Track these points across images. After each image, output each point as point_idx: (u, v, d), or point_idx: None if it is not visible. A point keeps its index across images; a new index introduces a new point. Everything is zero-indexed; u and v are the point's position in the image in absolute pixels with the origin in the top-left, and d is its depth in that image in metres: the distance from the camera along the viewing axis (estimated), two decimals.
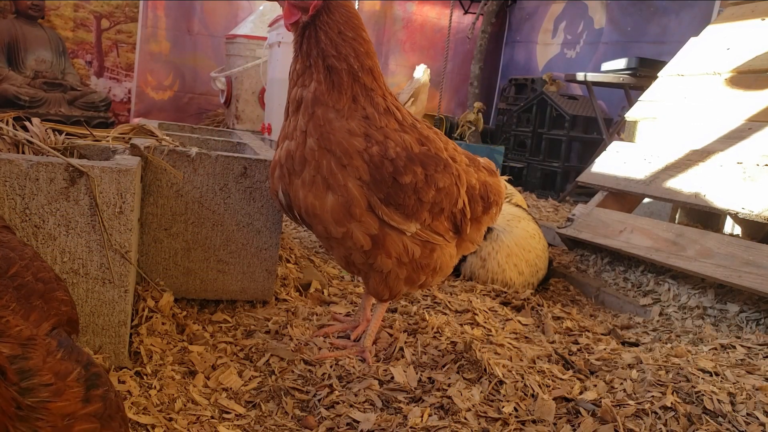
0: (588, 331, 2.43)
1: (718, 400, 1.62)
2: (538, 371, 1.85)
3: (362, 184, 1.66)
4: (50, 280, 0.95)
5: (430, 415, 1.57)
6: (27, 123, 2.01)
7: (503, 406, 1.62)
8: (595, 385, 1.76)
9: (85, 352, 0.83)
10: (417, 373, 1.80)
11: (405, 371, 1.80)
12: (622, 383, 1.76)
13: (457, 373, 1.80)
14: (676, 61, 3.71)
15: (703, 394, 1.64)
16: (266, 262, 2.18)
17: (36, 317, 0.84)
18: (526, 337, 2.25)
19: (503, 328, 2.29)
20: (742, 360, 2.02)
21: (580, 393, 1.72)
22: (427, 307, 2.39)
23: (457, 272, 3.06)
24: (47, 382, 0.70)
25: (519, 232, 3.01)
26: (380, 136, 1.68)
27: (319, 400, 1.64)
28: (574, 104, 6.36)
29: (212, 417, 1.55)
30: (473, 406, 1.62)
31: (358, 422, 1.54)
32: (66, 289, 0.99)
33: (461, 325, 2.22)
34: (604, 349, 2.14)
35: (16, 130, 1.88)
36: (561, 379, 1.83)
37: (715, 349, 2.18)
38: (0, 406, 0.61)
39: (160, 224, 2.02)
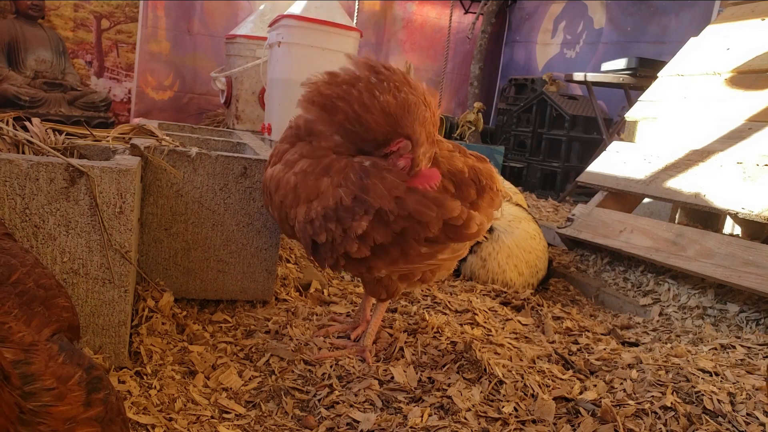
0: (588, 331, 2.43)
1: (718, 400, 1.63)
2: (538, 371, 1.85)
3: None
4: (51, 286, 0.95)
5: (430, 415, 1.57)
6: (27, 123, 2.01)
7: (503, 406, 1.62)
8: (595, 385, 1.76)
9: (86, 355, 0.83)
10: (417, 373, 1.80)
11: (405, 371, 1.80)
12: (622, 383, 1.76)
13: (457, 373, 1.80)
14: (676, 61, 3.71)
15: (703, 394, 1.64)
16: (266, 262, 2.18)
17: (37, 323, 0.84)
18: (526, 337, 2.25)
19: (503, 328, 2.29)
20: (742, 360, 2.02)
21: (580, 393, 1.73)
22: (427, 307, 2.39)
23: (457, 272, 3.06)
24: (49, 386, 0.70)
25: (520, 233, 3.01)
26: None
27: (319, 400, 1.64)
28: (574, 104, 6.36)
29: (212, 417, 1.55)
30: (473, 406, 1.62)
31: (358, 422, 1.54)
32: (67, 295, 0.99)
33: (461, 325, 2.22)
34: (604, 349, 2.14)
35: (16, 130, 1.89)
36: (561, 379, 1.83)
37: (715, 349, 2.18)
38: (3, 410, 0.61)
39: (160, 224, 2.02)
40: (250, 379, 1.76)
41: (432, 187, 1.61)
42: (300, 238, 1.77)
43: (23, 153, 1.83)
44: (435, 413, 1.59)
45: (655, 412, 1.58)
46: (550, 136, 6.51)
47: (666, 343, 2.34)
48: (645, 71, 5.13)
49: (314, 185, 1.68)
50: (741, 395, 1.66)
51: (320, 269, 1.79)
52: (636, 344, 2.36)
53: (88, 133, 2.19)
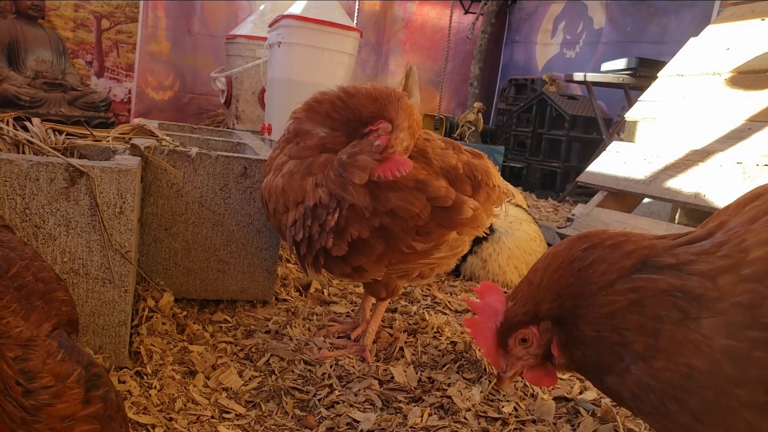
0: None
1: None
2: None
3: None
4: (50, 280, 0.94)
5: (430, 415, 1.57)
6: (27, 123, 2.01)
7: (503, 406, 1.62)
8: None
9: (85, 352, 0.82)
10: (417, 373, 1.80)
11: (405, 371, 1.80)
12: None
13: (457, 372, 1.80)
14: (676, 61, 3.71)
15: None
16: (266, 262, 2.18)
17: (36, 318, 0.84)
18: None
19: None
20: None
21: (580, 393, 1.72)
22: (427, 307, 2.39)
23: (457, 272, 3.06)
24: (47, 384, 0.70)
25: (521, 234, 3.01)
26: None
27: (319, 400, 1.64)
28: (573, 104, 6.36)
29: (212, 417, 1.55)
30: (473, 405, 1.62)
31: (358, 422, 1.54)
32: (66, 289, 0.99)
33: (461, 325, 2.22)
34: None
35: (17, 130, 1.89)
36: (561, 379, 1.83)
37: None
38: (4, 420, 0.61)
39: (161, 224, 2.02)
40: (250, 379, 1.76)
41: (401, 173, 1.59)
42: (287, 241, 1.79)
43: (23, 153, 1.83)
44: (435, 413, 1.59)
45: None
46: (550, 136, 6.51)
47: None
48: (645, 71, 5.12)
49: (300, 186, 1.70)
50: None
51: (305, 271, 1.79)
52: None
53: (89, 133, 2.19)
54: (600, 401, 1.64)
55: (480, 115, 6.80)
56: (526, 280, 1.00)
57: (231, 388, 1.70)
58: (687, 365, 0.78)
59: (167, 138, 2.22)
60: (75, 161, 1.54)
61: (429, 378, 1.78)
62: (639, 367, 0.83)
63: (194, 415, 1.54)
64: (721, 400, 0.77)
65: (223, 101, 5.31)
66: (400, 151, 1.60)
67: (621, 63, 5.38)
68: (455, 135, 6.78)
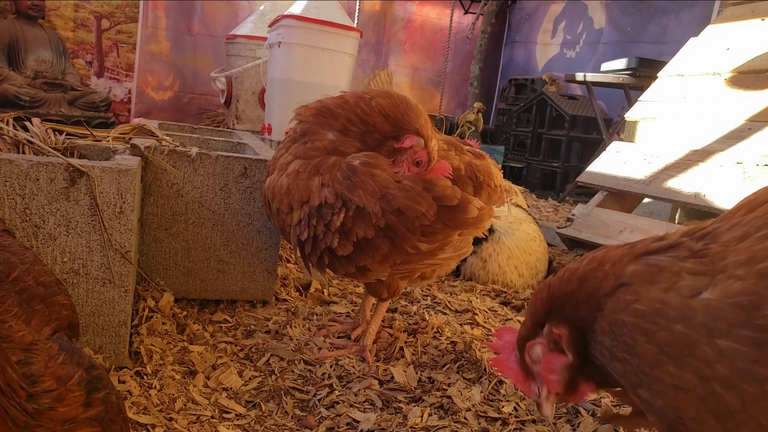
0: None
1: None
2: None
3: None
4: (51, 284, 0.94)
5: (430, 415, 1.57)
6: (27, 123, 2.01)
7: (503, 406, 1.62)
8: None
9: (86, 354, 0.82)
10: (417, 373, 1.80)
11: (405, 371, 1.80)
12: None
13: (457, 373, 1.80)
14: (676, 61, 3.71)
15: None
16: (266, 262, 2.18)
17: (37, 321, 0.84)
18: None
19: None
20: None
21: None
22: (427, 307, 2.39)
23: (457, 272, 3.06)
24: (49, 387, 0.70)
25: (520, 234, 3.01)
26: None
27: (319, 400, 1.64)
28: (573, 104, 6.36)
29: (212, 417, 1.55)
30: (473, 405, 1.62)
31: (358, 422, 1.54)
32: (67, 292, 0.99)
33: (461, 325, 2.22)
34: None
35: (17, 130, 1.89)
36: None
37: None
38: (7, 422, 0.61)
39: (161, 224, 2.03)
40: (250, 379, 1.77)
41: (447, 176, 1.68)
42: (291, 241, 1.78)
43: (23, 153, 1.83)
44: (435, 413, 1.59)
45: None
46: (550, 136, 6.51)
47: None
48: (645, 71, 5.12)
49: (305, 185, 1.69)
50: None
51: (308, 270, 1.79)
52: None
53: (89, 133, 2.20)
54: (600, 401, 1.64)
55: (480, 115, 6.80)
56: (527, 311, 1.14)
57: (231, 388, 1.70)
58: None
59: (167, 138, 2.22)
60: (75, 161, 1.54)
61: (429, 378, 1.78)
62: (608, 307, 0.91)
63: (194, 415, 1.54)
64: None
65: (223, 101, 5.31)
66: (437, 157, 1.70)
67: (621, 63, 5.38)
68: (455, 135, 6.77)
